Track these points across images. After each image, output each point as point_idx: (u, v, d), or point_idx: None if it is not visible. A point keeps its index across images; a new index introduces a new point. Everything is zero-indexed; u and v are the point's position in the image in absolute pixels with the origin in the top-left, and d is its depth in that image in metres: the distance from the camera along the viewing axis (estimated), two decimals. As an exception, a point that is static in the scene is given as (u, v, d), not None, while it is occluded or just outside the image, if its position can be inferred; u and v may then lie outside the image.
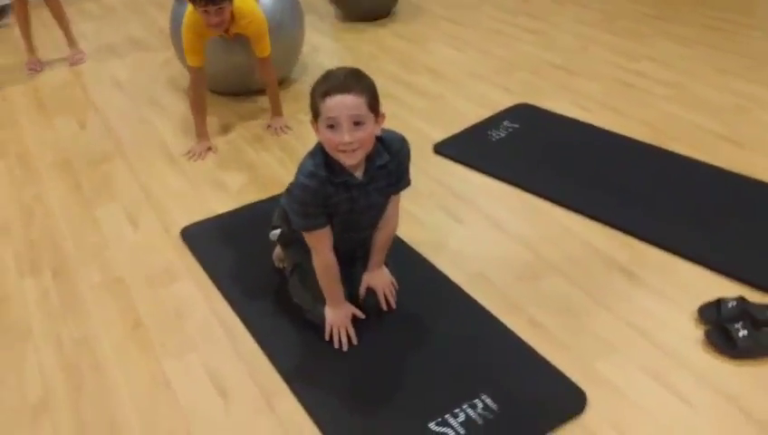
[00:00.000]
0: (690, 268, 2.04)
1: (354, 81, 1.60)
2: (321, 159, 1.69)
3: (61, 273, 2.22)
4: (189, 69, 2.83)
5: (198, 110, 2.89)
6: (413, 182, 1.87)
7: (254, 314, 1.98)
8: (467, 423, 1.60)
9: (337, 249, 1.80)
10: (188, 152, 2.85)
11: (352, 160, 1.66)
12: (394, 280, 1.96)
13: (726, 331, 1.77)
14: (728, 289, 1.94)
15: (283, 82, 3.40)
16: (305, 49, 3.68)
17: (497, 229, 2.29)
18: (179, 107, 3.26)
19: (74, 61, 3.86)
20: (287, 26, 3.18)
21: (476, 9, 4.29)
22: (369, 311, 1.91)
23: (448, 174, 2.61)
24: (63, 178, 2.74)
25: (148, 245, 2.32)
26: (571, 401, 1.66)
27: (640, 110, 2.95)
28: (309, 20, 3.88)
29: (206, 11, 2.59)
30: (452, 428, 1.59)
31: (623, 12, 4.08)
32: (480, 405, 1.65)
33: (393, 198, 1.86)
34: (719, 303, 1.85)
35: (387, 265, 1.97)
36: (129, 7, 4.76)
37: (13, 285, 2.18)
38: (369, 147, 1.68)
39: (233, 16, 2.70)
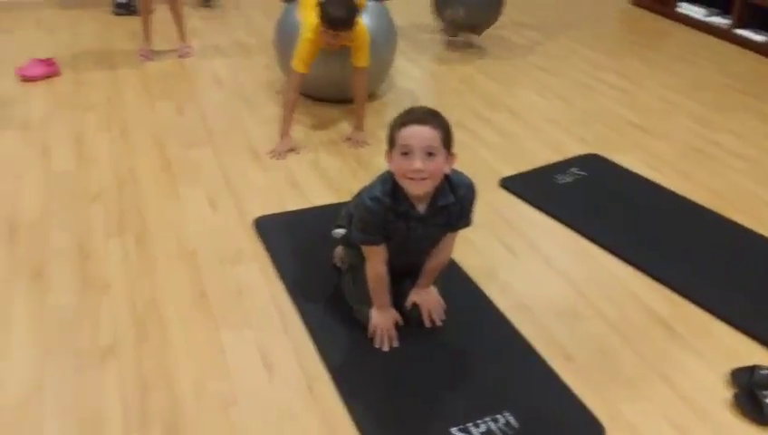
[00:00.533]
0: (730, 332, 2.09)
1: (432, 116, 1.76)
2: (389, 187, 1.82)
3: (142, 239, 2.43)
4: (294, 73, 3.07)
5: (289, 111, 3.11)
6: (475, 209, 1.98)
7: (309, 303, 2.13)
8: (487, 435, 1.71)
9: (390, 264, 1.94)
10: (272, 151, 3.06)
11: (419, 190, 1.78)
12: (442, 301, 2.07)
13: (755, 396, 1.82)
14: (765, 358, 1.98)
15: (369, 96, 3.60)
16: (395, 72, 3.88)
17: (547, 266, 2.38)
18: (270, 109, 3.49)
19: (182, 54, 4.16)
20: (380, 46, 3.39)
21: (567, 60, 4.40)
22: (412, 323, 2.04)
23: (510, 208, 2.72)
24: (156, 157, 2.99)
25: (224, 227, 2.52)
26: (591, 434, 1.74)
27: (710, 178, 2.99)
28: (405, 48, 4.09)
29: (326, 33, 2.92)
30: (472, 436, 1.70)
31: (711, 83, 4.12)
32: (502, 421, 1.74)
33: (450, 234, 1.97)
34: (753, 369, 1.90)
35: (435, 284, 2.09)
36: (240, 13, 5.08)
37: (99, 243, 2.40)
38: (436, 180, 1.79)
39: None
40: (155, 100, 3.56)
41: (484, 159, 3.10)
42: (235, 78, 3.89)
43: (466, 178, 1.91)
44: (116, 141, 3.11)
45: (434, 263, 1.99)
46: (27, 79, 3.72)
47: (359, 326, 2.02)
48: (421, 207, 1.84)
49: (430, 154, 1.72)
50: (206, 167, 2.93)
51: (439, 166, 1.75)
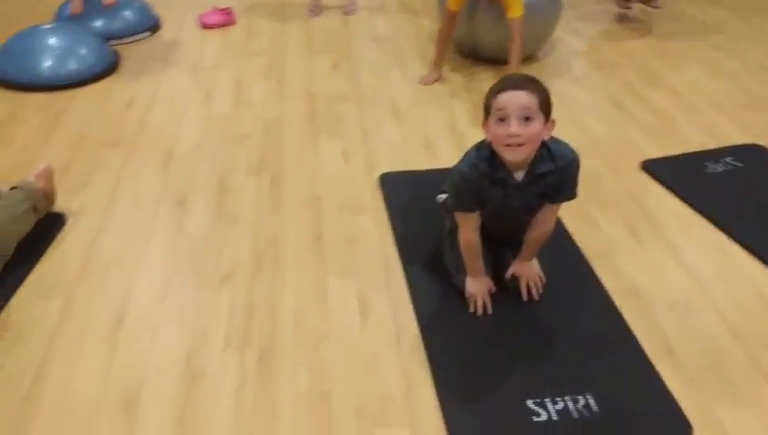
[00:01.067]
0: None
1: (528, 82, 1.72)
2: (486, 153, 1.80)
3: (277, 181, 2.60)
4: (446, 11, 3.26)
5: (440, 45, 3.38)
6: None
7: (414, 262, 2.18)
8: (563, 413, 1.67)
9: (487, 229, 1.93)
10: (421, 79, 3.35)
11: (516, 156, 1.74)
12: (542, 275, 2.03)
13: None
14: None
15: (529, 59, 3.58)
16: (557, 39, 3.82)
17: (672, 257, 2.24)
18: (419, 71, 3.53)
19: (348, 11, 4.31)
20: (542, 8, 3.42)
21: (752, 42, 4.00)
22: (511, 293, 2.02)
23: (646, 191, 2.58)
24: (304, 107, 3.16)
25: (351, 178, 2.63)
26: (676, 433, 1.65)
27: None
28: (571, 16, 3.94)
29: None
30: (547, 411, 1.68)
31: None
32: (582, 402, 1.70)
33: (552, 205, 1.91)
34: None
35: (537, 257, 2.05)
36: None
37: (239, 180, 2.61)
38: (534, 146, 1.75)
39: None
40: (314, 53, 3.74)
41: (631, 137, 2.94)
42: (393, 37, 3.97)
43: (569, 149, 1.85)
44: (271, 90, 3.32)
45: (535, 234, 1.95)
46: (206, 26, 4.05)
47: (456, 290, 2.04)
48: (518, 175, 1.82)
49: (527, 119, 1.69)
50: (348, 120, 3.05)
51: (536, 131, 1.71)
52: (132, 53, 3.73)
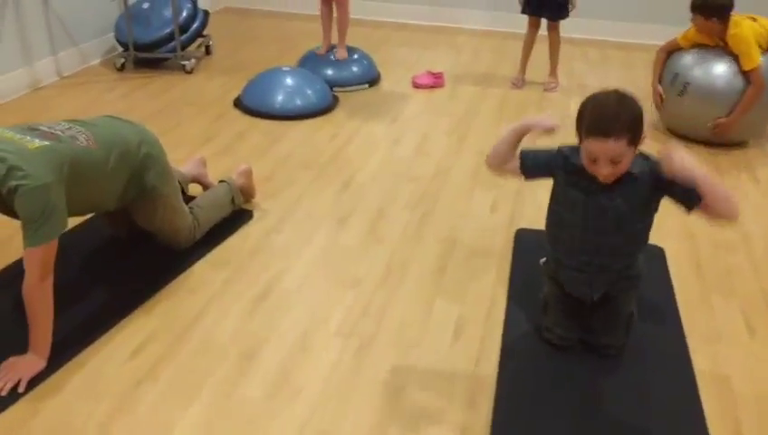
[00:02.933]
0: None
1: (616, 122, 1.77)
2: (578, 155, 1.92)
3: (426, 218, 2.97)
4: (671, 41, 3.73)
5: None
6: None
7: (518, 309, 2.37)
8: (600, 456, 1.80)
9: (575, 253, 2.07)
10: None
11: (605, 181, 1.87)
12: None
13: None
14: None
15: (727, 146, 3.71)
16: (761, 137, 3.85)
17: (781, 357, 2.22)
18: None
19: (548, 88, 4.61)
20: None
21: None
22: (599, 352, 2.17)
23: (778, 292, 2.54)
24: (473, 162, 3.49)
25: (490, 229, 2.91)
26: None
27: None
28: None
29: (694, 21, 3.39)
30: (585, 451, 1.82)
31: None
32: (622, 454, 1.82)
33: None
34: None
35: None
36: (623, 62, 5.31)
37: (395, 211, 3.01)
38: (623, 171, 1.85)
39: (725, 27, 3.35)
40: (502, 121, 4.08)
41: (789, 242, 2.88)
42: (581, 116, 4.19)
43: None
44: (451, 145, 3.72)
45: None
46: (417, 86, 4.59)
47: (543, 343, 2.21)
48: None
49: (616, 162, 1.81)
50: (506, 182, 3.34)
51: (625, 166, 1.82)
52: (349, 99, 4.36)
